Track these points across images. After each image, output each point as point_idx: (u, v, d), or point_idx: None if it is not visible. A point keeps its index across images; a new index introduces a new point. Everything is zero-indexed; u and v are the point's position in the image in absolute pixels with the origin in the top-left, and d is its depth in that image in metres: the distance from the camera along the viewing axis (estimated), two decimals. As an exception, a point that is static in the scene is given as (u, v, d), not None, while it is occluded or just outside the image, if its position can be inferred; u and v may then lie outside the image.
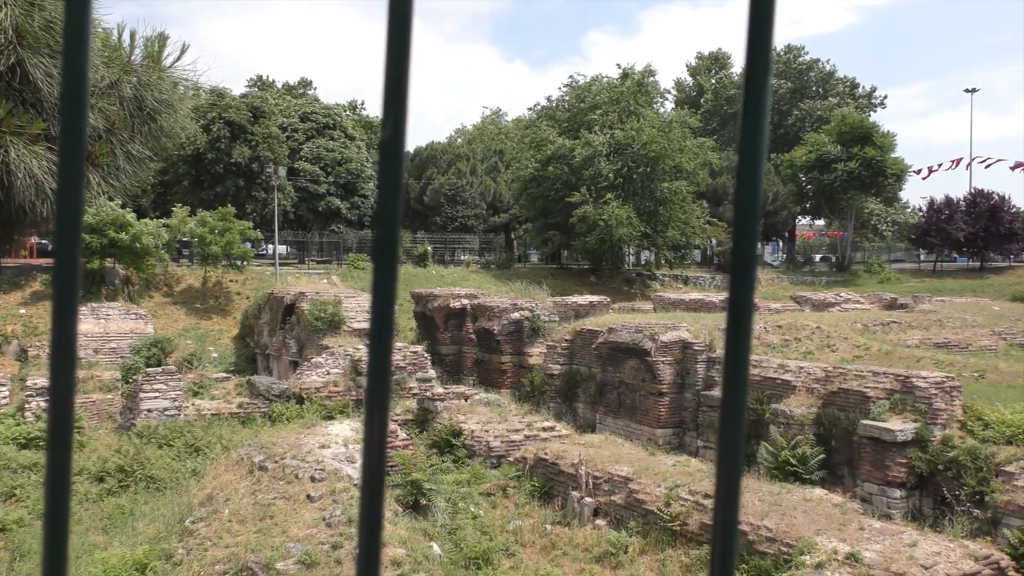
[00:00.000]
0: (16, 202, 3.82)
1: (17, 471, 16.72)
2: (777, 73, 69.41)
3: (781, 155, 62.36)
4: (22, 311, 29.65)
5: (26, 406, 20.37)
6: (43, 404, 20.45)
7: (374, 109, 71.31)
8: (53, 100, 3.91)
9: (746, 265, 0.77)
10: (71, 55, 0.73)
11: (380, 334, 0.74)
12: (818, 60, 69.91)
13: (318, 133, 51.43)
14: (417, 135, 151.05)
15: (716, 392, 20.04)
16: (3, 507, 15.16)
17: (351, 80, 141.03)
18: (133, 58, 4.42)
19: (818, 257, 65.31)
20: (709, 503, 11.95)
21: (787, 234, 65.28)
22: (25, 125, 3.72)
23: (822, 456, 16.38)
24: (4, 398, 21.76)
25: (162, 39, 4.42)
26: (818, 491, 12.76)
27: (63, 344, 0.73)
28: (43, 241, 41.26)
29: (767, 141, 0.76)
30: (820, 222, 71.93)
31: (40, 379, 21.25)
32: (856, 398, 16.63)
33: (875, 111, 69.42)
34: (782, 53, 70.91)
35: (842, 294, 35.91)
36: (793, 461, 16.24)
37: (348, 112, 63.12)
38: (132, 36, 4.33)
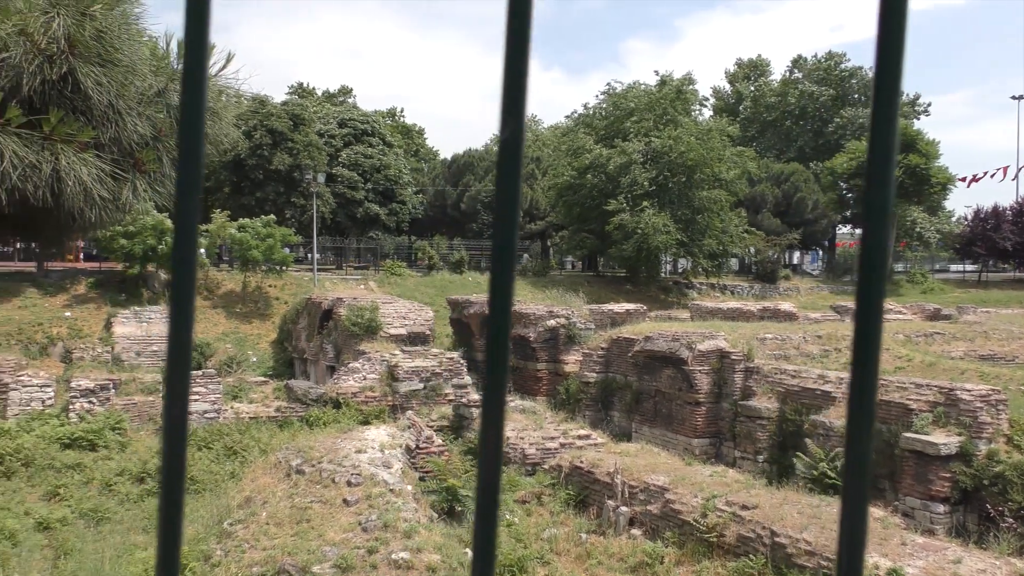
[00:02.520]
0: (66, 208, 3.91)
1: (61, 470, 17.05)
2: (817, 80, 68.69)
3: (821, 163, 61.63)
4: (67, 314, 30.26)
5: (70, 407, 20.76)
6: (86, 405, 20.85)
7: (413, 116, 71.84)
8: (102, 108, 3.99)
9: (874, 294, 0.74)
10: (191, 96, 0.73)
11: (497, 335, 0.73)
12: (860, 67, 69.01)
13: (356, 140, 51.90)
14: (454, 142, 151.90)
15: (754, 402, 19.82)
16: (47, 506, 15.47)
17: (390, 88, 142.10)
18: (180, 66, 4.49)
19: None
20: (747, 515, 11.81)
21: (827, 243, 64.43)
22: (75, 133, 3.80)
23: (862, 469, 16.09)
24: (49, 399, 22.20)
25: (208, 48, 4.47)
26: (858, 504, 12.53)
27: (178, 352, 0.74)
28: (86, 245, 42.12)
29: (898, 140, 0.75)
30: (860, 231, 70.80)
31: (84, 381, 21.65)
32: (898, 410, 16.33)
33: (918, 119, 68.37)
34: (822, 60, 70.17)
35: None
36: (832, 473, 15.98)
37: (387, 119, 63.63)
38: (179, 45, 4.40)
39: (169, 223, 31.89)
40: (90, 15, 3.67)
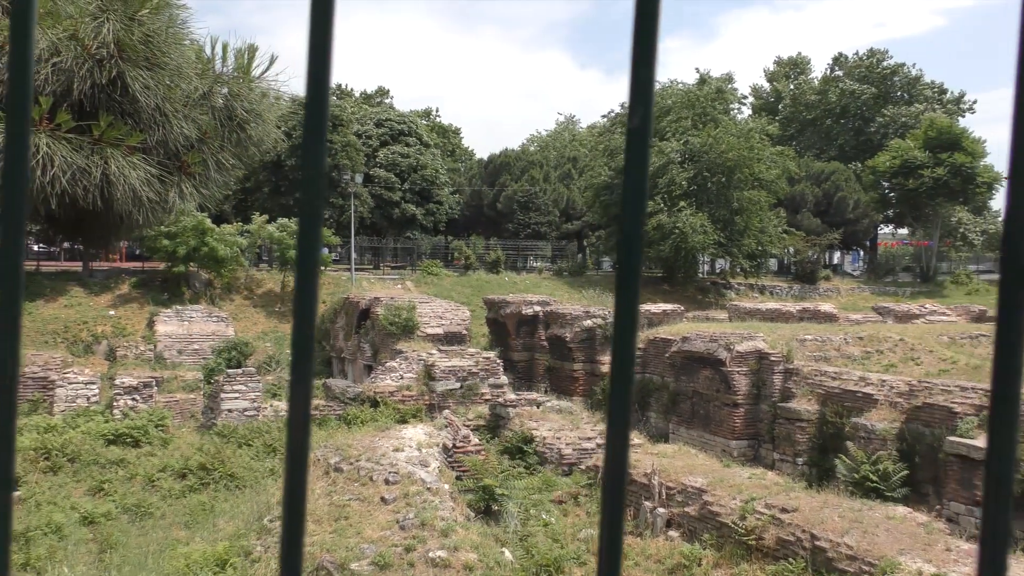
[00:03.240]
0: (115, 210, 3.98)
1: (105, 466, 17.38)
2: (859, 78, 67.66)
3: (861, 162, 60.70)
4: (111, 312, 30.86)
5: (114, 404, 21.17)
6: (130, 402, 21.25)
7: (449, 116, 72.08)
8: (149, 111, 4.07)
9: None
10: (312, 126, 0.74)
11: (623, 335, 0.73)
12: (903, 64, 67.83)
13: (393, 140, 52.21)
14: (490, 143, 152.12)
15: (793, 404, 19.59)
16: (92, 500, 15.78)
17: (426, 88, 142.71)
18: (224, 69, 4.57)
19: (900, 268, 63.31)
20: (786, 518, 11.68)
21: (868, 243, 63.45)
22: (124, 137, 3.88)
23: (905, 473, 15.84)
24: (94, 396, 22.66)
25: (251, 50, 4.55)
26: (901, 509, 12.33)
27: (302, 351, 0.75)
28: (131, 245, 42.90)
29: None
30: (903, 231, 69.77)
31: (127, 378, 22.06)
32: (942, 414, 16.03)
33: (964, 116, 67.02)
34: (864, 57, 69.10)
35: (927, 305, 34.71)
36: (873, 477, 15.75)
37: (423, 119, 63.96)
38: (224, 48, 4.48)
39: (209, 223, 32.39)
40: (138, 20, 3.74)
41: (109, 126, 3.78)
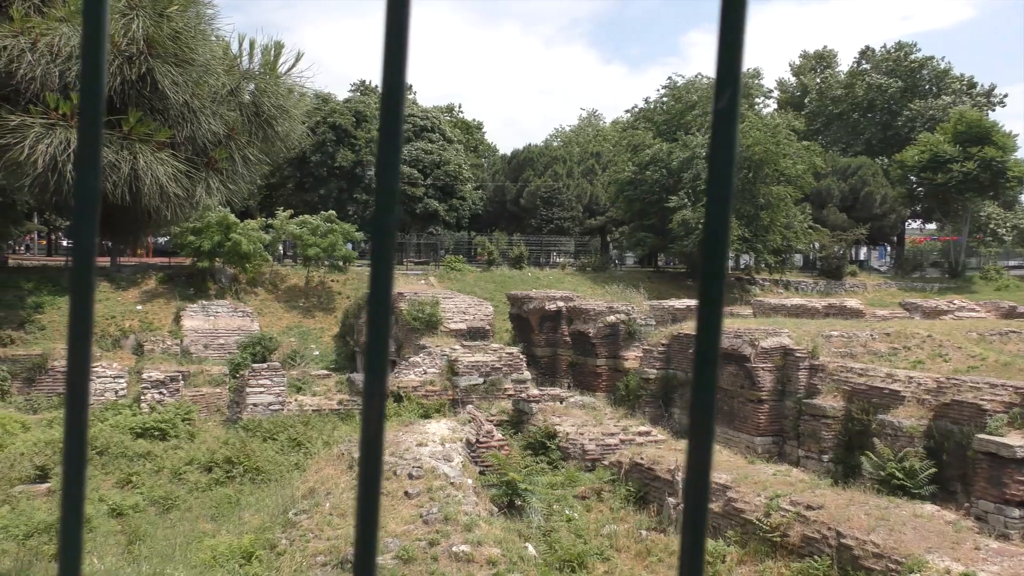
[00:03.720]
0: (143, 205, 4.03)
1: (133, 459, 17.60)
2: (886, 71, 66.85)
3: (887, 157, 59.99)
4: (139, 307, 31.20)
5: (142, 398, 21.43)
6: (157, 396, 21.50)
7: (471, 112, 72.11)
8: (178, 107, 4.10)
9: None
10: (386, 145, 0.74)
11: (707, 333, 0.72)
12: (931, 57, 66.90)
13: (415, 136, 52.31)
14: (513, 139, 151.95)
15: (818, 400, 19.43)
16: (121, 493, 16.00)
17: (449, 84, 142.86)
18: (251, 66, 4.60)
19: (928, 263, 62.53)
20: (812, 515, 11.60)
21: (896, 239, 62.72)
22: (152, 133, 3.92)
23: (932, 470, 15.67)
24: (122, 390, 22.95)
25: (278, 47, 4.58)
26: (929, 507, 12.21)
27: (377, 348, 0.75)
28: (160, 240, 43.33)
29: None
30: (931, 226, 68.86)
31: (155, 372, 22.32)
32: (971, 411, 15.84)
33: (994, 110, 66.00)
34: (892, 50, 68.25)
35: (955, 301, 34.27)
36: (900, 474, 15.60)
37: (446, 115, 64.02)
38: (251, 44, 4.51)
39: (233, 218, 32.63)
40: (167, 16, 3.78)
41: (138, 122, 3.82)
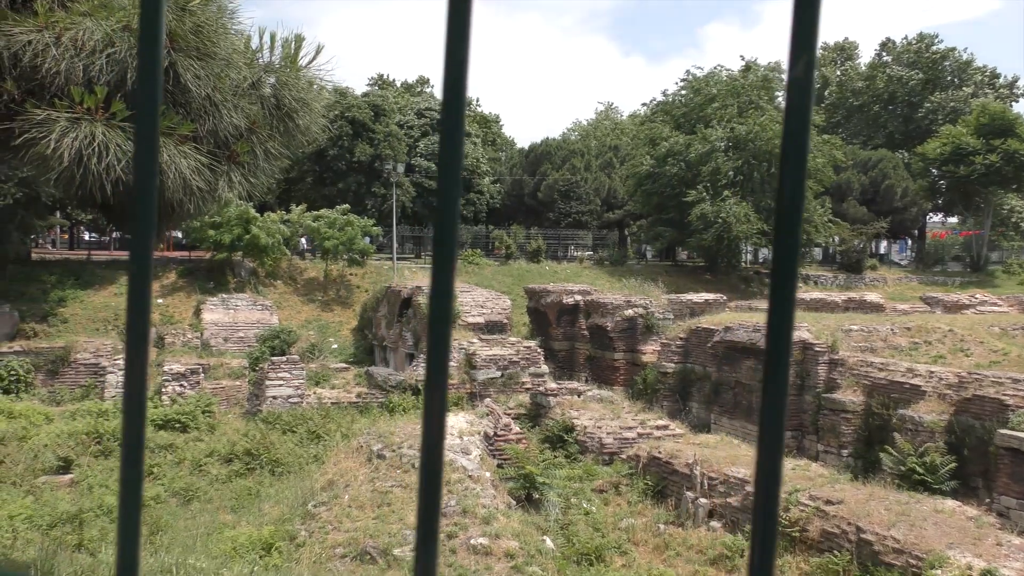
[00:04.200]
0: (166, 198, 4.07)
1: (154, 450, 17.77)
2: (907, 63, 66.19)
3: (907, 150, 59.42)
4: (159, 301, 31.46)
5: (163, 390, 21.62)
6: (178, 388, 21.68)
7: (489, 105, 72.07)
8: (200, 101, 4.13)
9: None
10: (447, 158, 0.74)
11: (779, 335, 0.70)
12: (953, 49, 66.14)
13: (433, 129, 52.34)
14: (531, 132, 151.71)
15: (838, 395, 19.32)
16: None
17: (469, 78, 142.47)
18: (272, 59, 4.63)
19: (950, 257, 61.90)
20: (831, 510, 11.54)
21: (916, 232, 62.16)
22: (175, 127, 3.95)
23: (953, 465, 15.55)
24: (144, 382, 23.15)
25: (298, 40, 4.61)
26: (950, 502, 12.12)
27: (439, 347, 0.75)
28: (179, 235, 43.65)
29: None
30: (953, 219, 68.15)
31: (175, 365, 22.51)
32: (993, 406, 15.69)
33: (1017, 101, 65.20)
34: (913, 42, 67.55)
35: (977, 295, 33.92)
36: (920, 469, 15.49)
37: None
38: (272, 38, 4.53)
39: (253, 212, 32.82)
40: (189, 10, 3.81)
41: (161, 115, 3.85)
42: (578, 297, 29.15)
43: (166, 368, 22.37)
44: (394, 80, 69.42)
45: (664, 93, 51.61)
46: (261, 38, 4.55)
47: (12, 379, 23.61)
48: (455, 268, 0.73)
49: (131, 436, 0.74)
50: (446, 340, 0.73)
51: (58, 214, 38.78)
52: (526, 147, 61.82)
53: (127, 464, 0.74)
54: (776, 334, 0.69)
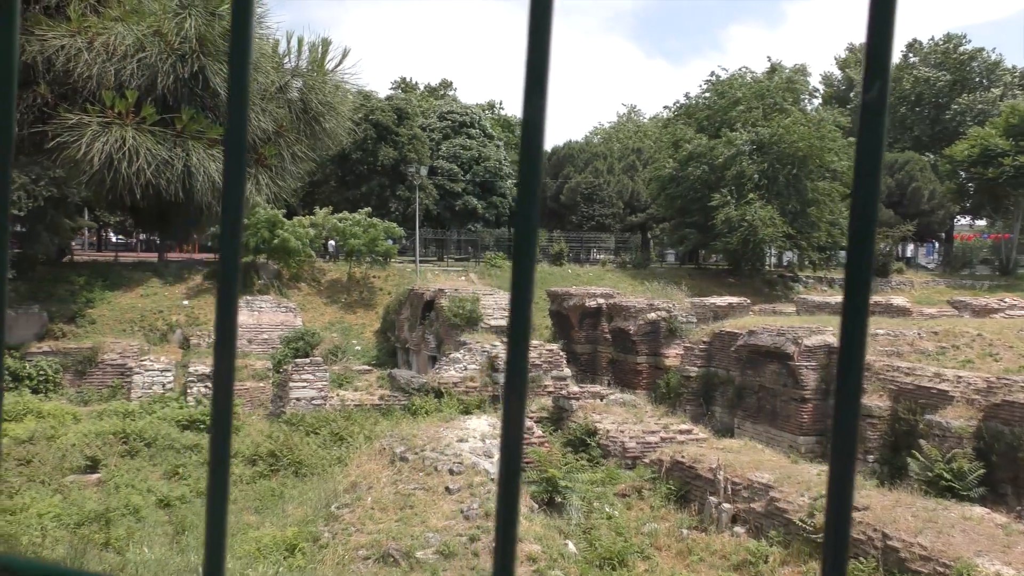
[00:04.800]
0: (195, 201, 4.11)
1: (180, 451, 17.93)
2: (934, 64, 65.48)
3: (935, 152, 58.73)
4: (185, 302, 31.77)
5: (188, 391, 21.83)
6: (203, 389, 21.86)
7: (512, 109, 72.12)
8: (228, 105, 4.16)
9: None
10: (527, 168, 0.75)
11: (853, 330, 0.71)
12: (982, 49, 65.34)
13: (455, 132, 52.46)
14: (553, 134, 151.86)
15: (864, 400, 19.13)
16: (168, 484, 16.31)
17: (490, 81, 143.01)
18: (299, 63, 4.66)
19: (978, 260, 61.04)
20: (857, 516, 11.42)
21: (944, 235, 61.42)
22: (204, 130, 3.99)
23: (982, 472, 15.34)
24: (169, 383, 23.38)
25: (325, 44, 4.64)
26: (979, 509, 11.95)
27: (519, 341, 0.75)
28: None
29: None
30: (981, 222, 67.27)
31: (201, 366, 22.71)
32: (1023, 412, 15.47)
33: (1047, 103, 64.24)
34: (940, 42, 66.82)
35: (1006, 299, 33.45)
36: (948, 476, 15.29)
37: (487, 112, 64.13)
38: (300, 42, 4.57)
39: (281, 216, 33.11)
40: (218, 15, 3.85)
41: (191, 119, 3.90)
42: (600, 300, 29.09)
43: (191, 369, 22.57)
44: (417, 84, 69.72)
45: (687, 96, 51.38)
46: (288, 42, 4.59)
47: (41, 379, 23.93)
48: (534, 280, 0.74)
49: (218, 446, 0.75)
50: (525, 347, 0.73)
51: (86, 215, 39.28)
52: (549, 150, 61.82)
53: (215, 454, 0.76)
54: (849, 343, 0.71)
